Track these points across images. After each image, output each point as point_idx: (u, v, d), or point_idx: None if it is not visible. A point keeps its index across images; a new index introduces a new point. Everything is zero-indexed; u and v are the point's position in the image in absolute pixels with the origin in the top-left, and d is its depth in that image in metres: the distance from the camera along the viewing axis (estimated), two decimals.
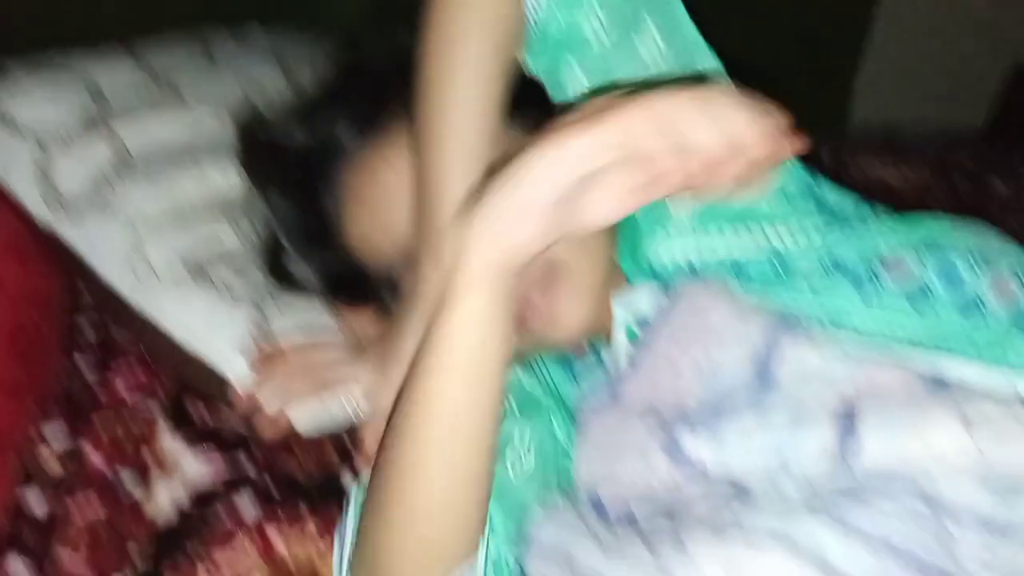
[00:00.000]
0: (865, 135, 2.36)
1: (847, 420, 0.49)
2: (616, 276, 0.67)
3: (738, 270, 0.61)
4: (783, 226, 0.62)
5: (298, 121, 0.69)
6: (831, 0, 2.00)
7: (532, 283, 0.59)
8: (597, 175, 0.45)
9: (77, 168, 0.80)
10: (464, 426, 0.48)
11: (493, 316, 0.48)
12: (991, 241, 0.59)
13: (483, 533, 0.52)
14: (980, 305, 0.54)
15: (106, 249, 0.75)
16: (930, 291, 0.55)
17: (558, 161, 0.45)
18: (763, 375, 0.54)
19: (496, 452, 0.52)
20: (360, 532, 0.53)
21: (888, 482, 0.46)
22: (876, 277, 0.57)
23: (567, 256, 0.60)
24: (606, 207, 0.46)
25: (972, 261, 0.56)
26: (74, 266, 0.79)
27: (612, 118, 0.44)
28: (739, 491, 0.51)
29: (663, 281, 0.63)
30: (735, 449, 0.51)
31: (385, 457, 0.50)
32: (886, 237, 0.59)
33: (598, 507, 0.58)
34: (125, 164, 0.80)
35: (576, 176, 0.44)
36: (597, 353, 0.68)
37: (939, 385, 0.50)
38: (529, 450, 0.60)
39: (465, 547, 0.50)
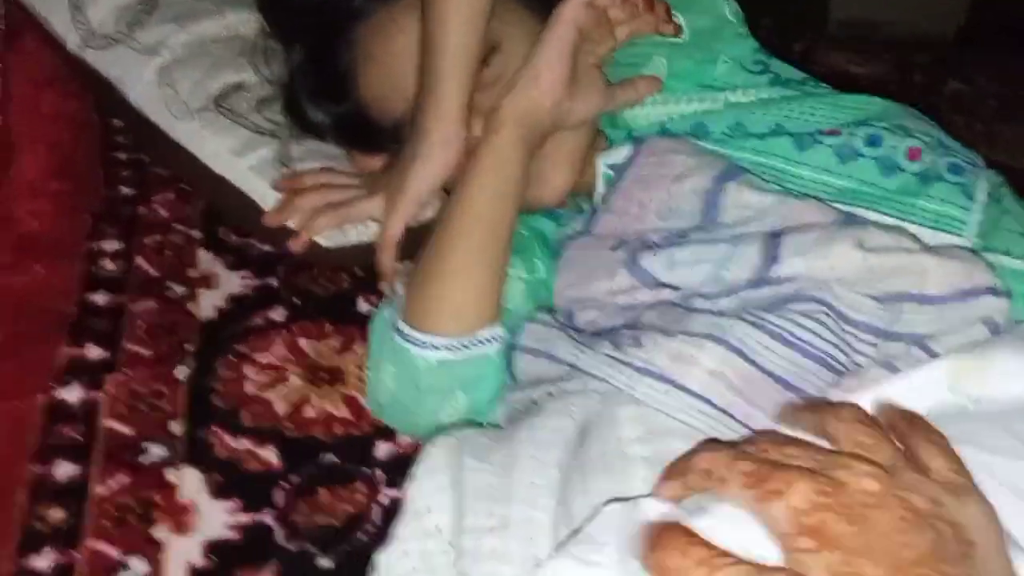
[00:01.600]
0: (838, 30, 2.43)
1: (772, 241, 0.59)
2: (599, 140, 0.77)
3: (700, 129, 0.72)
4: (740, 90, 0.73)
5: None
6: None
7: None
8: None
9: (108, 5, 0.86)
10: (487, 220, 0.65)
11: (517, 148, 0.65)
12: (916, 119, 0.70)
13: (498, 317, 0.66)
14: (895, 166, 0.65)
15: (138, 80, 0.83)
16: (856, 153, 0.66)
17: (557, 33, 0.65)
18: (709, 212, 0.65)
19: (508, 254, 0.66)
20: (408, 296, 0.65)
21: (800, 295, 0.58)
22: (813, 139, 0.67)
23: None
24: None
25: (895, 132, 0.66)
26: (107, 96, 0.86)
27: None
28: (685, 307, 0.63)
29: (638, 140, 0.74)
30: (683, 267, 0.62)
31: (431, 245, 0.66)
32: (827, 110, 0.70)
33: (572, 323, 0.70)
34: (152, 1, 0.86)
35: (573, 30, 0.65)
36: (578, 204, 0.79)
37: (849, 219, 0.62)
38: (520, 280, 0.71)
39: (486, 314, 0.65)
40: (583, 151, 0.73)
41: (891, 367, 0.54)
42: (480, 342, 0.64)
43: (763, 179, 0.67)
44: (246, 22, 0.87)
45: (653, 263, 0.63)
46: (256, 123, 0.80)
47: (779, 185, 0.67)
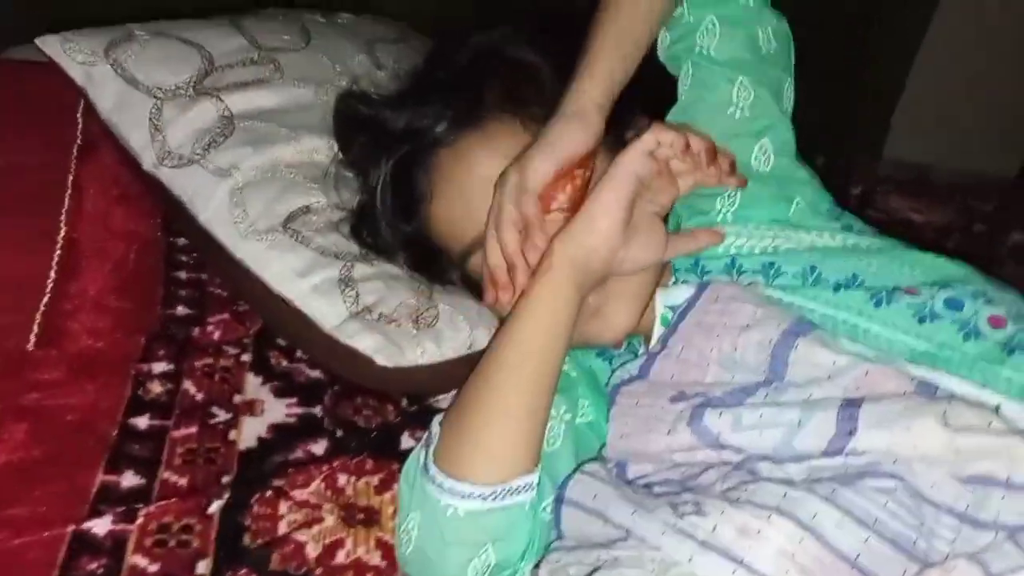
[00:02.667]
0: (895, 172, 2.44)
1: (849, 411, 0.56)
2: (664, 274, 0.76)
3: (771, 269, 0.71)
4: (815, 232, 0.72)
5: (401, 107, 0.77)
6: (877, 40, 2.05)
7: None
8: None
9: (185, 125, 0.89)
10: (534, 359, 0.64)
11: (568, 291, 0.65)
12: (998, 287, 0.68)
13: (537, 463, 0.63)
14: (977, 332, 0.63)
15: (209, 200, 0.84)
16: (936, 315, 0.64)
17: (617, 181, 0.65)
18: (776, 367, 0.62)
19: (551, 397, 0.64)
20: (441, 436, 0.64)
21: (876, 469, 0.55)
22: (890, 296, 0.66)
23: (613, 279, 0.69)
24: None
25: (976, 298, 0.64)
26: (175, 215, 0.88)
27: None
28: (749, 469, 0.60)
29: (704, 275, 0.73)
30: (750, 430, 0.59)
31: (472, 380, 0.65)
32: (905, 267, 0.68)
33: (624, 475, 0.67)
34: (229, 125, 0.89)
35: (633, 180, 0.65)
36: (633, 346, 0.77)
37: (930, 392, 0.59)
38: (563, 422, 0.69)
39: (523, 461, 0.62)
40: (647, 294, 0.72)
41: (981, 562, 0.50)
42: (515, 491, 0.61)
43: (834, 333, 0.64)
44: (319, 148, 0.90)
45: (717, 423, 0.61)
46: (322, 245, 0.81)
47: (850, 340, 0.64)
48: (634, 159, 0.65)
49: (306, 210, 0.83)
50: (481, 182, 0.71)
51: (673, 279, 0.77)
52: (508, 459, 0.62)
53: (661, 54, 0.79)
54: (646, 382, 0.70)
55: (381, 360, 0.74)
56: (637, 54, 0.73)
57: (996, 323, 0.63)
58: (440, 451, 0.62)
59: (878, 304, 0.65)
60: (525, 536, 0.62)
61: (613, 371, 0.74)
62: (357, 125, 0.83)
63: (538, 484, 0.63)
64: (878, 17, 2.01)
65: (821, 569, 0.51)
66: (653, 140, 0.65)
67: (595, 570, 0.56)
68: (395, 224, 0.79)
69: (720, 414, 0.61)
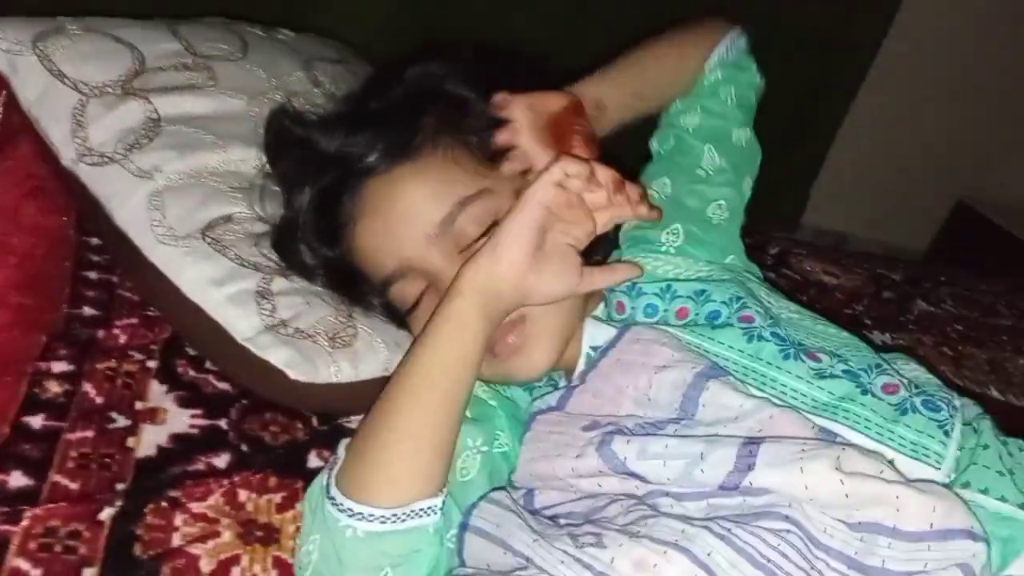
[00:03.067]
0: (814, 238, 2.54)
1: (748, 448, 0.58)
2: (593, 303, 0.79)
3: (703, 295, 0.75)
4: (746, 275, 0.81)
5: (334, 132, 0.76)
6: (802, 112, 2.15)
7: (506, 324, 0.69)
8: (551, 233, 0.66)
9: (110, 124, 0.86)
10: (438, 386, 0.63)
11: (473, 317, 0.64)
12: (890, 358, 0.72)
13: (441, 488, 0.62)
14: (872, 394, 0.66)
15: (126, 201, 0.82)
16: (835, 377, 0.67)
17: (524, 211, 0.65)
18: (687, 406, 0.64)
19: (457, 422, 0.64)
20: (345, 458, 0.63)
21: (771, 510, 0.56)
22: (797, 353, 0.69)
23: (536, 307, 0.69)
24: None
25: (871, 370, 0.68)
26: (91, 214, 0.85)
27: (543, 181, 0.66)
28: (651, 504, 0.61)
29: (640, 296, 0.77)
30: (654, 459, 0.60)
31: (377, 404, 0.64)
32: (811, 337, 0.73)
33: (531, 504, 0.67)
34: (155, 128, 0.87)
35: (540, 209, 0.65)
36: (554, 380, 0.78)
37: (829, 439, 0.61)
38: (478, 453, 0.69)
39: (427, 485, 0.61)
40: (567, 331, 0.73)
41: None
42: (415, 515, 0.60)
43: (744, 379, 0.67)
44: (247, 159, 0.88)
45: (625, 449, 0.62)
46: (241, 255, 0.79)
47: (760, 389, 0.66)
48: (541, 189, 0.65)
49: (227, 219, 0.81)
50: (407, 214, 0.71)
51: (603, 304, 0.78)
52: (409, 482, 0.61)
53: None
54: (562, 413, 0.70)
55: (293, 374, 0.73)
56: (637, 104, 0.86)
57: (889, 390, 0.66)
58: (343, 473, 0.61)
59: (786, 358, 0.68)
60: (426, 562, 0.61)
61: (532, 400, 0.74)
62: (287, 143, 0.82)
63: (444, 510, 0.62)
64: (805, 89, 2.11)
65: None
66: (560, 171, 0.65)
67: None
68: (316, 247, 0.78)
69: (628, 441, 0.62)
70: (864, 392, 0.66)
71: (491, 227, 0.69)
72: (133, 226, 0.81)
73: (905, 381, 0.67)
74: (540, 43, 1.01)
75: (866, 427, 0.63)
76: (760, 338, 0.70)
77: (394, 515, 0.59)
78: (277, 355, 0.73)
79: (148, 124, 0.87)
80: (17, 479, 0.62)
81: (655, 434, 0.63)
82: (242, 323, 0.74)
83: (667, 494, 0.60)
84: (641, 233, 0.82)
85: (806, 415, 0.63)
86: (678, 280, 0.77)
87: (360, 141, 0.75)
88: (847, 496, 0.55)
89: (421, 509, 0.60)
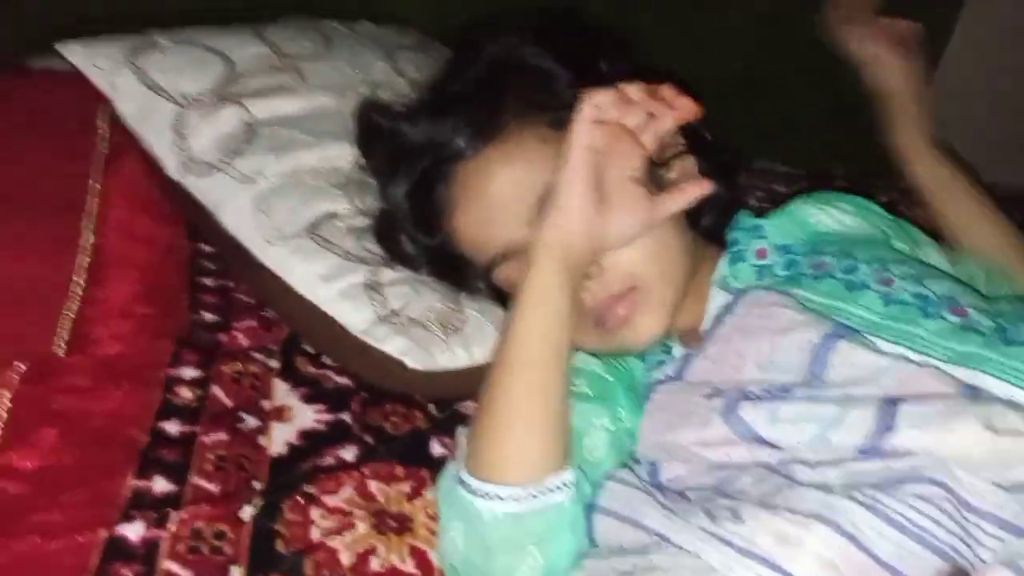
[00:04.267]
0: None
1: (888, 408, 0.55)
2: (707, 266, 0.75)
3: (844, 253, 0.72)
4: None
5: (420, 121, 0.76)
6: None
7: (614, 295, 0.69)
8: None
9: (209, 132, 0.89)
10: (537, 362, 0.63)
11: (555, 280, 0.63)
12: None
13: (565, 461, 0.62)
14: (1019, 341, 0.62)
15: (233, 206, 0.84)
16: (979, 333, 0.63)
17: (571, 157, 0.63)
18: (816, 370, 0.61)
19: (564, 387, 0.64)
20: (468, 445, 0.63)
21: (917, 474, 0.53)
22: (938, 313, 0.65)
23: (644, 273, 0.69)
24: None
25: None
26: (201, 222, 0.88)
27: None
28: (785, 474, 0.59)
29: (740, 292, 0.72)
30: (786, 423, 0.58)
31: (485, 386, 0.64)
32: (957, 291, 0.68)
33: (656, 479, 0.66)
34: (252, 132, 0.89)
35: (586, 152, 0.63)
36: (668, 349, 0.76)
37: (972, 393, 0.58)
38: (603, 430, 0.68)
39: (552, 460, 0.61)
40: (676, 296, 0.71)
41: (1018, 570, 0.48)
42: (550, 490, 0.60)
43: (878, 335, 0.64)
44: (342, 155, 0.89)
45: (753, 415, 0.60)
46: (348, 250, 0.80)
47: (895, 343, 0.63)
48: (578, 131, 0.63)
49: (331, 216, 0.83)
50: (501, 198, 0.71)
51: (725, 266, 0.75)
52: (535, 461, 0.61)
53: None
54: (683, 383, 0.69)
55: (411, 363, 0.74)
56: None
57: None
58: (470, 460, 0.62)
59: (926, 316, 0.65)
60: (568, 538, 0.61)
61: (648, 371, 0.74)
62: (376, 137, 0.83)
63: (577, 485, 0.62)
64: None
65: None
66: (590, 107, 0.63)
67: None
68: (417, 237, 0.78)
69: (755, 406, 0.60)
70: (1009, 343, 0.62)
71: None
72: (242, 230, 0.83)
73: None
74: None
75: (1012, 375, 0.59)
76: (899, 302, 0.66)
77: (528, 493, 0.59)
78: (393, 345, 0.74)
79: (245, 129, 0.89)
80: (160, 484, 0.65)
81: (785, 399, 0.61)
82: (355, 316, 0.76)
83: (803, 462, 0.58)
84: None
85: (948, 369, 0.60)
86: (825, 234, 0.77)
87: (446, 127, 0.74)
88: (999, 454, 0.52)
89: (553, 486, 0.60)
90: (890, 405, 0.56)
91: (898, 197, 1.38)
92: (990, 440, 0.52)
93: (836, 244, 0.76)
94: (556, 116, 0.71)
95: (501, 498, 0.59)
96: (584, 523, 0.62)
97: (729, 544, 0.53)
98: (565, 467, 0.61)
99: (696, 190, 0.67)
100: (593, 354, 0.72)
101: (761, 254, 0.75)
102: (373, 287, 0.77)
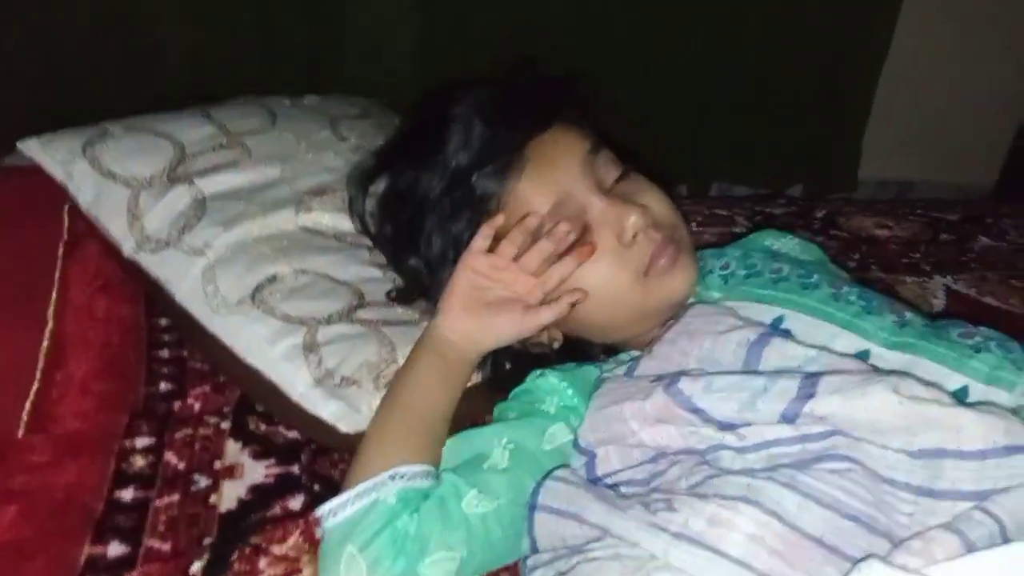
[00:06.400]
0: (876, 192, 2.47)
1: (811, 378, 0.60)
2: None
3: (799, 264, 0.82)
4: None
5: (490, 112, 0.80)
6: (840, 65, 2.11)
7: (658, 246, 0.76)
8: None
9: (161, 211, 0.94)
10: (401, 406, 0.75)
11: (430, 365, 0.77)
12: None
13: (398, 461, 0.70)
14: (949, 339, 0.69)
15: (184, 280, 0.90)
16: (914, 328, 0.71)
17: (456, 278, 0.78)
18: (750, 362, 0.67)
19: (427, 437, 0.74)
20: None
21: (831, 453, 0.58)
22: (881, 312, 0.73)
23: (680, 225, 0.80)
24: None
25: (953, 324, 0.72)
26: (156, 297, 0.93)
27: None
28: (712, 460, 0.63)
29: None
30: (719, 392, 0.63)
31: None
32: (893, 301, 0.77)
33: (592, 473, 0.70)
34: (201, 207, 0.95)
35: (467, 275, 0.77)
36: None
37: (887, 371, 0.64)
38: (505, 450, 0.72)
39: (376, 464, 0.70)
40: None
41: (957, 531, 0.51)
42: (360, 495, 0.67)
43: (828, 321, 0.72)
44: (286, 219, 0.95)
45: (691, 386, 0.65)
46: (286, 313, 0.85)
47: (843, 327, 0.71)
48: (468, 259, 0.77)
49: (272, 280, 0.88)
50: (567, 149, 0.79)
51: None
52: (365, 465, 0.70)
53: None
54: (630, 377, 0.74)
55: (343, 428, 0.78)
56: None
57: (965, 336, 0.69)
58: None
59: (869, 313, 0.73)
60: (388, 539, 0.65)
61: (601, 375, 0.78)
62: (395, 203, 0.87)
63: (405, 491, 0.68)
64: (838, 37, 2.08)
65: (789, 549, 0.54)
66: (481, 238, 0.77)
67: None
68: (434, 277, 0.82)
69: (694, 380, 0.65)
70: (940, 337, 0.69)
71: (623, 175, 0.80)
72: (192, 302, 0.88)
73: (982, 330, 0.70)
74: None
75: (942, 359, 0.66)
76: (847, 300, 0.74)
77: (350, 497, 0.67)
78: (328, 410, 0.79)
79: (195, 205, 0.95)
80: (115, 548, 0.69)
81: (720, 374, 0.66)
82: (295, 379, 0.80)
83: (728, 447, 0.62)
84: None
85: (883, 349, 0.68)
86: (780, 253, 0.86)
87: (511, 119, 0.80)
88: (905, 418, 0.56)
89: (374, 484, 0.67)
90: (813, 377, 0.61)
91: (853, 209, 1.44)
92: (897, 404, 0.56)
93: (791, 260, 0.84)
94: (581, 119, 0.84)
95: (333, 512, 0.67)
96: (443, 524, 0.67)
97: (665, 530, 0.57)
98: (386, 469, 0.68)
99: (570, 299, 0.77)
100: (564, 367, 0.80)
101: (725, 267, 0.84)
102: (310, 348, 0.82)
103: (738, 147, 2.18)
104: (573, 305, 0.77)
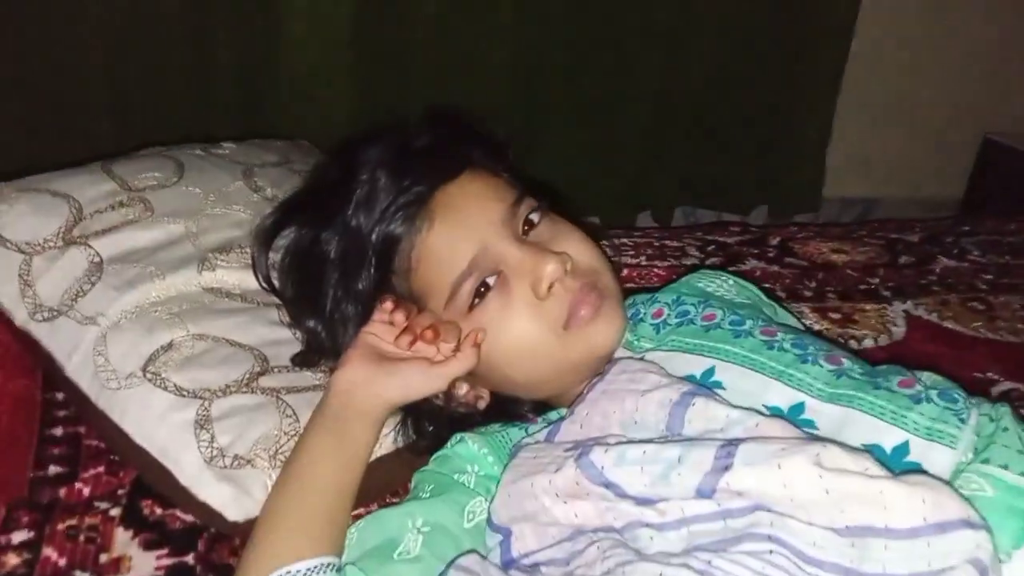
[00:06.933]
0: (841, 211, 2.44)
1: (728, 448, 0.55)
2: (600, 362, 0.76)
3: (730, 307, 0.78)
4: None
5: (389, 167, 0.75)
6: (797, 88, 2.09)
7: (578, 290, 0.71)
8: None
9: (54, 277, 0.88)
10: (297, 476, 0.69)
11: (328, 423, 0.71)
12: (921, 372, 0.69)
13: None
14: (888, 389, 0.65)
15: (74, 351, 0.83)
16: (852, 378, 0.67)
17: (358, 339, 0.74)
18: (673, 424, 0.61)
19: (326, 516, 0.67)
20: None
21: (753, 531, 0.52)
22: (816, 361, 0.69)
23: (603, 270, 0.75)
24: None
25: (892, 373, 0.68)
26: (49, 368, 0.86)
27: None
28: (631, 538, 0.58)
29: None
30: (631, 465, 0.58)
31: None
32: (829, 346, 0.73)
33: (508, 554, 0.64)
34: (97, 271, 0.88)
35: (367, 337, 0.74)
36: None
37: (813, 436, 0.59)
38: (419, 533, 0.66)
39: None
40: (623, 310, 0.76)
41: None
42: None
43: (760, 372, 0.68)
44: (188, 280, 0.89)
45: (603, 458, 0.60)
46: (179, 385, 0.79)
47: (776, 379, 0.67)
48: (368, 326, 0.74)
49: (167, 347, 0.81)
50: (482, 200, 0.74)
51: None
52: (255, 561, 0.64)
53: None
54: (547, 443, 0.69)
55: (230, 515, 0.72)
56: None
57: (904, 384, 0.65)
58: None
59: (804, 362, 0.68)
60: None
61: (521, 440, 0.72)
62: (307, 256, 0.80)
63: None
64: (797, 62, 2.05)
65: None
66: (380, 312, 0.74)
67: None
68: (372, 275, 0.75)
69: (606, 451, 0.60)
70: (878, 388, 0.65)
71: (542, 218, 0.76)
72: (81, 375, 0.82)
73: (922, 378, 0.67)
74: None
75: (880, 412, 0.62)
76: (780, 348, 0.70)
77: None
78: (216, 495, 0.72)
79: (91, 269, 0.88)
80: None
81: (633, 443, 0.61)
82: (184, 460, 0.74)
83: (646, 525, 0.57)
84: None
85: (817, 402, 0.64)
86: (714, 296, 0.82)
87: (421, 165, 0.75)
88: (827, 493, 0.50)
89: None
90: (730, 446, 0.55)
91: (809, 234, 1.40)
92: (818, 477, 0.51)
93: (723, 304, 0.79)
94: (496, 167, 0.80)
95: None
96: None
97: None
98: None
99: (471, 341, 0.72)
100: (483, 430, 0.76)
101: (658, 314, 0.79)
102: (202, 423, 0.75)
103: (700, 171, 2.15)
104: (478, 347, 0.72)
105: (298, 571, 0.62)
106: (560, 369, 0.74)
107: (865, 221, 1.71)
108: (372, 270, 0.74)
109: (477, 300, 0.72)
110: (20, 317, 0.87)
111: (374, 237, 0.74)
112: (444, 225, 0.73)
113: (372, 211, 0.74)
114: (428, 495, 0.70)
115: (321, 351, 0.81)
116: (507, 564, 0.64)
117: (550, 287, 0.70)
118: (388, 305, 0.73)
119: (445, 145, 0.79)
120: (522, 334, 0.71)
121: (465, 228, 0.73)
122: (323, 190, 0.81)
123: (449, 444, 0.75)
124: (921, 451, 0.59)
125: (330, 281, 0.76)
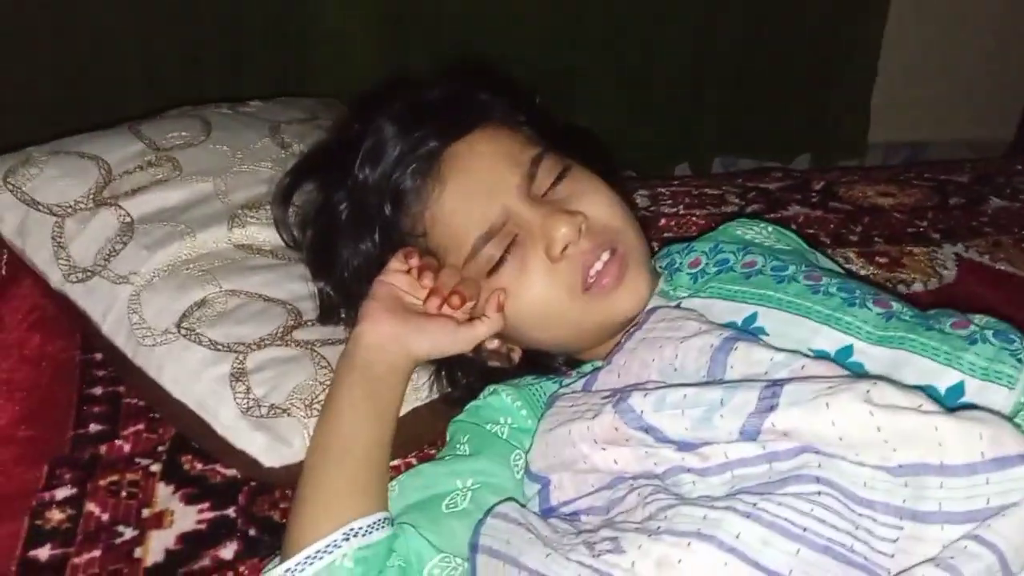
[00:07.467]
0: (887, 155, 2.36)
1: (772, 389, 0.52)
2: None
3: (771, 253, 0.75)
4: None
5: (400, 122, 0.74)
6: (840, 27, 2.01)
7: (597, 245, 0.69)
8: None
9: (86, 238, 0.88)
10: (330, 445, 0.67)
11: (353, 378, 0.69)
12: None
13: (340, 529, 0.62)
14: (941, 330, 0.62)
15: (109, 311, 0.83)
16: (903, 320, 0.64)
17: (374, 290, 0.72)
18: (714, 370, 0.59)
19: (366, 472, 0.66)
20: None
21: (800, 473, 0.50)
22: (864, 304, 0.66)
23: (622, 228, 0.72)
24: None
25: (943, 315, 0.66)
26: (85, 329, 0.87)
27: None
28: (672, 484, 0.56)
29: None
30: (672, 409, 0.56)
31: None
32: (876, 289, 0.70)
33: (547, 502, 0.63)
34: (128, 231, 0.88)
35: (386, 288, 0.71)
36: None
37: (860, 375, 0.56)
38: (469, 491, 0.66)
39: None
40: (648, 267, 0.74)
41: (948, 567, 0.44)
42: (310, 560, 0.60)
43: (807, 317, 0.65)
44: (217, 238, 0.88)
45: (641, 402, 0.58)
46: (214, 339, 0.78)
47: (823, 323, 0.64)
48: (386, 273, 0.72)
49: (200, 304, 0.81)
50: (497, 161, 0.71)
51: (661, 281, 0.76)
52: (301, 538, 0.62)
53: None
54: (584, 392, 0.67)
55: (267, 462, 0.72)
56: None
57: (958, 326, 0.63)
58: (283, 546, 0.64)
59: (851, 305, 0.66)
60: None
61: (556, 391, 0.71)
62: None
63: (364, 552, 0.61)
64: (837, 10, 1.98)
65: None
66: (397, 260, 0.72)
67: None
68: (390, 233, 0.75)
69: (645, 395, 0.58)
70: (930, 329, 0.62)
71: (564, 173, 0.72)
72: (118, 334, 0.82)
73: (976, 320, 0.64)
74: None
75: (933, 353, 0.60)
76: (826, 292, 0.67)
77: (299, 561, 0.60)
78: (252, 443, 0.72)
79: (122, 229, 0.88)
80: None
81: (673, 387, 0.59)
82: (220, 412, 0.74)
83: (688, 470, 0.56)
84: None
85: (867, 345, 0.61)
86: (754, 243, 0.78)
87: (430, 121, 0.74)
88: (879, 431, 0.48)
89: (324, 547, 0.60)
90: (775, 385, 0.53)
91: (854, 178, 1.35)
92: (868, 414, 0.48)
93: (764, 250, 0.76)
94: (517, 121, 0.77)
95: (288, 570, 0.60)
96: None
97: None
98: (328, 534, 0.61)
99: (494, 303, 0.70)
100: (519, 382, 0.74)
101: (695, 263, 0.76)
102: (238, 376, 0.75)
103: (739, 119, 2.09)
104: (502, 309, 0.70)
105: (360, 528, 0.61)
106: (582, 330, 0.72)
107: (913, 163, 1.64)
108: (381, 224, 0.73)
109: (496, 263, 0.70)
110: (55, 279, 0.87)
111: (381, 191, 0.72)
112: (457, 186, 0.71)
113: (378, 165, 0.73)
114: (467, 449, 0.70)
115: (335, 309, 0.79)
116: (546, 513, 0.63)
117: (564, 249, 0.68)
118: (410, 254, 0.71)
119: (457, 99, 0.77)
120: (539, 297, 0.70)
121: (481, 190, 0.71)
122: (335, 146, 0.80)
123: (482, 395, 0.74)
124: (976, 392, 0.57)
125: (341, 237, 0.75)
